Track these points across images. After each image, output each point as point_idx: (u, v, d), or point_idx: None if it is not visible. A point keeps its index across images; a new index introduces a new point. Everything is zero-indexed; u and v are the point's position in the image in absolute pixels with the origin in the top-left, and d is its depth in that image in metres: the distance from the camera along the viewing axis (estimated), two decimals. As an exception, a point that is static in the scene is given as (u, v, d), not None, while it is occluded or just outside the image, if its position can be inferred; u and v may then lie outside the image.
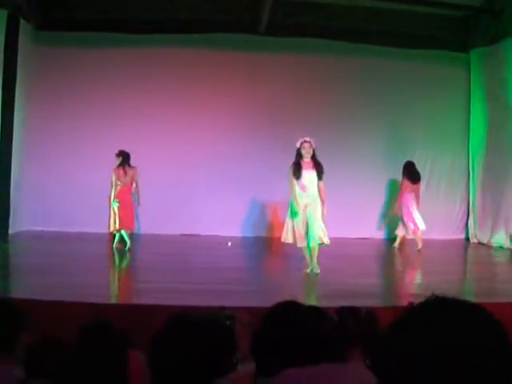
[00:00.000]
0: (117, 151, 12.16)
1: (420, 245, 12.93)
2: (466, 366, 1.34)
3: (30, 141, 13.96)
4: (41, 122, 14.06)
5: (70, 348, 3.62)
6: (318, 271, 9.58)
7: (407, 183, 13.20)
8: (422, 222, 13.13)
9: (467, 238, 14.94)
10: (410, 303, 1.49)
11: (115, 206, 12.03)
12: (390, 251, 13.29)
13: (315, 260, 9.64)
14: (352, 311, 4.00)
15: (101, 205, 13.04)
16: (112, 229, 12.24)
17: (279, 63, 14.47)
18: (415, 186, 13.28)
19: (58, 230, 13.65)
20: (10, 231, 13.03)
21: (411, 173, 13.27)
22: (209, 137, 14.29)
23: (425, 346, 1.38)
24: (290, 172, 9.62)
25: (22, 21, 13.06)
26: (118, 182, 12.10)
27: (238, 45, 14.37)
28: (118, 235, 12.18)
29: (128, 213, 12.18)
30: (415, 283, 9.98)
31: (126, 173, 12.09)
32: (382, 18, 13.98)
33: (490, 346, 1.38)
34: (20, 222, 13.61)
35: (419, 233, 13.08)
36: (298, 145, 9.66)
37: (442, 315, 1.43)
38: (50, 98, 14.09)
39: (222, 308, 3.34)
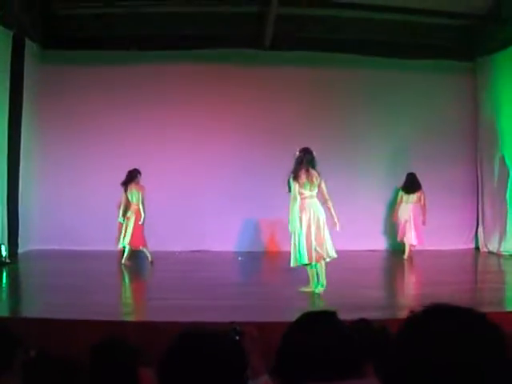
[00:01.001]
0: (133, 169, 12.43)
1: (406, 255, 13.36)
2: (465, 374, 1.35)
3: (38, 159, 14.03)
4: (49, 140, 14.13)
5: (74, 365, 3.62)
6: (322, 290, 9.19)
7: (401, 194, 13.62)
8: (413, 236, 13.43)
9: (477, 248, 14.87)
10: (411, 311, 1.49)
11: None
12: (398, 262, 13.28)
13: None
14: (367, 325, 3.98)
15: (111, 222, 13.10)
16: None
17: (284, 77, 14.44)
18: (410, 196, 13.40)
19: (68, 248, 13.64)
20: (20, 250, 13.05)
21: (405, 183, 13.61)
22: (212, 151, 14.30)
23: (425, 355, 1.39)
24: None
25: (27, 41, 13.15)
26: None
27: (243, 59, 14.40)
28: (127, 251, 12.31)
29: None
30: (425, 294, 9.91)
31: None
32: (385, 29, 13.97)
33: (488, 352, 1.38)
34: (30, 240, 13.63)
35: (408, 243, 13.47)
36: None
37: (440, 323, 1.43)
38: (58, 116, 14.15)
39: (232, 323, 3.32)
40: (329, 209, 9.43)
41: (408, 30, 14.01)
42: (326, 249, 9.20)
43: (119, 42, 14.09)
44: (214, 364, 2.22)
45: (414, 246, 13.56)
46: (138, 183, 12.43)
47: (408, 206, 13.45)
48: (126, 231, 12.31)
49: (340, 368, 2.34)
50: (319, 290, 9.14)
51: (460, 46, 14.70)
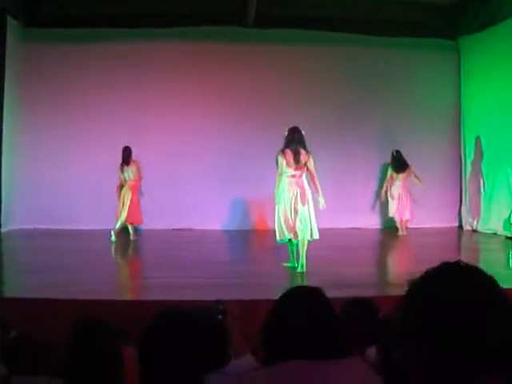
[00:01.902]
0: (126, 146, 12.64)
1: (402, 231, 13.74)
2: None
3: (20, 139, 13.95)
4: (32, 119, 14.04)
5: (54, 345, 3.62)
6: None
7: (390, 171, 13.96)
8: (406, 212, 13.83)
9: (460, 226, 14.95)
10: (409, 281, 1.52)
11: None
12: (388, 240, 13.44)
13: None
14: (364, 306, 4.00)
15: (95, 201, 13.11)
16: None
17: (267, 55, 14.44)
18: (399, 175, 13.54)
19: (50, 227, 13.59)
20: (2, 229, 13.00)
21: (393, 161, 13.94)
22: (198, 130, 14.26)
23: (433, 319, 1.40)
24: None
25: (9, 18, 12.99)
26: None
27: (226, 37, 14.34)
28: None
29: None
30: (411, 272, 9.92)
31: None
32: (369, 7, 13.94)
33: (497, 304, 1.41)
34: (12, 220, 13.58)
35: (401, 220, 13.82)
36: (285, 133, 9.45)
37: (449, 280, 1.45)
38: (40, 95, 14.05)
39: (217, 301, 3.33)
40: (315, 186, 9.41)
41: (391, 8, 13.97)
42: (310, 229, 9.17)
43: (103, 20, 13.95)
44: (194, 343, 2.23)
45: (408, 220, 13.82)
46: (132, 159, 12.58)
47: (399, 183, 13.76)
48: (123, 208, 12.39)
49: (324, 345, 2.35)
50: (299, 269, 9.08)
51: (443, 24, 14.69)
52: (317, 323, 2.38)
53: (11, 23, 13.15)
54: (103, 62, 14.16)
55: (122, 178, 12.57)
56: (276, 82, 14.43)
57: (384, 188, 14.05)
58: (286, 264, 9.52)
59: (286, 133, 9.43)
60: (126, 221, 12.52)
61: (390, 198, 13.95)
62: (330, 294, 2.70)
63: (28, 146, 14.02)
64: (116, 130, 13.89)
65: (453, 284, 1.46)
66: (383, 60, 14.63)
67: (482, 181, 14.22)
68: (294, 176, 9.22)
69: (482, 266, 1.58)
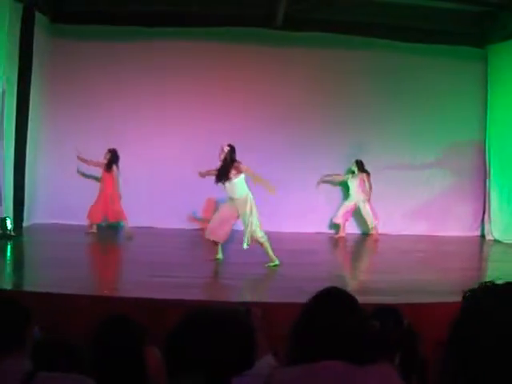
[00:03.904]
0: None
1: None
2: None
3: (44, 133, 14.01)
4: (56, 114, 14.09)
5: (80, 344, 3.61)
6: None
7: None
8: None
9: (483, 235, 14.83)
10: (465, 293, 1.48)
11: None
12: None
13: None
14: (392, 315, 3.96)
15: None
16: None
17: (294, 58, 14.38)
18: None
19: (72, 223, 13.62)
20: (25, 224, 13.05)
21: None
22: (225, 131, 14.19)
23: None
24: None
25: (37, 14, 13.06)
26: None
27: (253, 38, 14.30)
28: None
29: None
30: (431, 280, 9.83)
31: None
32: (398, 13, 13.84)
33: None
34: (35, 214, 13.64)
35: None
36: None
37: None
38: (66, 90, 14.08)
39: (243, 303, 3.30)
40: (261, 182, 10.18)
41: (421, 15, 13.87)
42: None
43: (130, 18, 13.97)
44: (222, 346, 2.20)
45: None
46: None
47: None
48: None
49: (354, 349, 2.33)
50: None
51: (471, 31, 14.59)
52: (348, 326, 2.36)
53: (39, 18, 13.21)
54: (128, 59, 14.14)
55: None
56: (300, 84, 14.34)
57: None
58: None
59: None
60: None
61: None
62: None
63: (52, 141, 14.06)
64: (139, 127, 13.91)
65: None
66: (411, 66, 14.54)
67: (505, 191, 14.10)
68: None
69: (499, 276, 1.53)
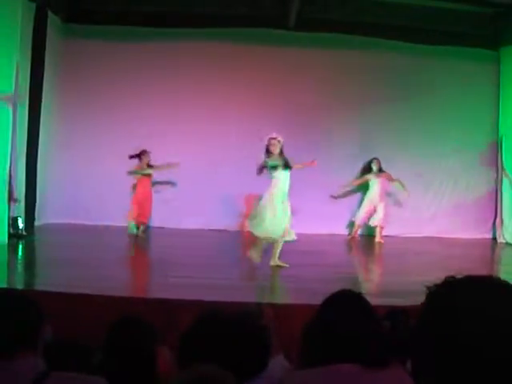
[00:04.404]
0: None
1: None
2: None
3: (56, 134, 14.01)
4: (68, 114, 14.11)
5: (89, 345, 3.60)
6: None
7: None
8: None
9: (494, 238, 14.77)
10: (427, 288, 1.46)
11: None
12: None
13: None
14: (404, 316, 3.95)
15: (127, 198, 13.20)
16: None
17: (307, 58, 14.37)
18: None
19: (84, 223, 13.66)
20: (36, 223, 13.08)
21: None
22: (238, 132, 14.20)
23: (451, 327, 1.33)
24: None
25: (50, 13, 13.09)
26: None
27: (266, 40, 14.29)
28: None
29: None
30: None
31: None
32: (411, 14, 13.80)
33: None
34: (47, 214, 13.67)
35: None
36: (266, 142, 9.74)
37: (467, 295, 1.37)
38: (78, 90, 14.12)
39: (258, 304, 3.30)
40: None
41: (433, 16, 13.83)
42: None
43: (140, 19, 14.00)
44: (237, 344, 2.19)
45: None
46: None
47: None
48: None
49: (368, 352, 2.32)
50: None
51: (485, 33, 14.53)
52: (362, 329, 2.35)
53: (52, 18, 13.24)
54: (141, 60, 14.16)
55: None
56: (312, 85, 14.34)
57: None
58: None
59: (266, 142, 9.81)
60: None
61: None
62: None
63: (63, 141, 14.08)
64: (150, 127, 13.92)
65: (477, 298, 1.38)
66: (422, 68, 14.50)
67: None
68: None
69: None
